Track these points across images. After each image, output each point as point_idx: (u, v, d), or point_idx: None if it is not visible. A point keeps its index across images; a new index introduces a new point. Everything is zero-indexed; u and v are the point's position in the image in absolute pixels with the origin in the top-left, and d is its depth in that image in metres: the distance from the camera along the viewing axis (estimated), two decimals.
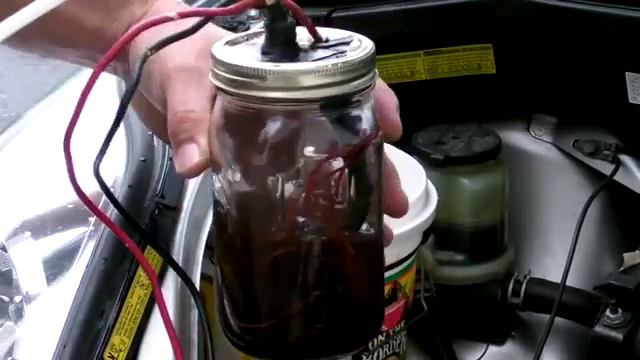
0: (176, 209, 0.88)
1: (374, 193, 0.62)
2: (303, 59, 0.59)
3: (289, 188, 0.60)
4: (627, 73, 1.31)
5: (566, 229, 1.41)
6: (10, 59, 4.14)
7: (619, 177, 1.41)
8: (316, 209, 0.60)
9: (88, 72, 1.08)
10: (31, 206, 0.92)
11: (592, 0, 1.25)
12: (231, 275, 0.64)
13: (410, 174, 1.21)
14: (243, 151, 0.61)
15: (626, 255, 1.33)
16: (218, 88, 0.60)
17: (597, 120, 1.43)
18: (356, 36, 0.62)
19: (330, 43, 0.61)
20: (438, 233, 1.36)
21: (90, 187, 0.91)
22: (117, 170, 0.89)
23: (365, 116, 0.60)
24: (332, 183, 0.60)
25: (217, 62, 0.60)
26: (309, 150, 0.59)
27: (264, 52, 0.60)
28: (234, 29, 1.02)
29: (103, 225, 0.81)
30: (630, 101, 1.32)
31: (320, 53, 0.60)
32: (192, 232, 0.88)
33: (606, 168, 1.42)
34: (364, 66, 0.59)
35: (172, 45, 0.64)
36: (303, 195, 0.60)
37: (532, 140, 1.50)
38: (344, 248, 0.62)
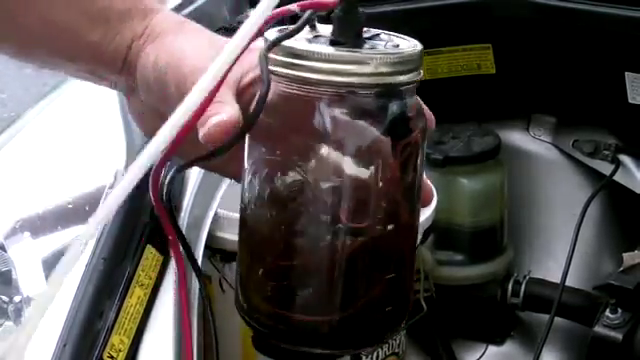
0: (176, 209, 0.87)
1: (420, 177, 0.65)
2: (365, 49, 0.61)
3: (358, 175, 0.61)
4: (627, 73, 1.31)
5: (566, 229, 1.41)
6: (10, 59, 4.13)
7: (619, 177, 1.41)
8: (392, 195, 0.62)
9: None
10: (30, 206, 0.91)
11: (592, 0, 1.25)
12: (295, 271, 0.64)
13: None
14: (300, 137, 0.62)
15: (625, 255, 1.33)
16: (276, 73, 0.61)
17: (597, 120, 1.43)
18: (373, 30, 0.64)
19: (367, 36, 0.63)
20: (437, 233, 1.36)
21: (88, 187, 0.91)
22: (116, 170, 0.89)
23: (418, 103, 0.64)
24: (403, 168, 0.63)
25: (284, 49, 0.61)
26: (381, 136, 0.61)
27: (333, 41, 0.62)
28: (234, 30, 1.02)
29: (103, 225, 0.81)
30: (630, 101, 1.32)
31: (377, 44, 0.62)
32: (192, 232, 0.88)
33: (606, 168, 1.42)
34: (417, 59, 0.62)
35: (183, 52, 0.64)
36: (377, 181, 0.62)
37: (531, 140, 1.50)
38: (411, 230, 0.65)
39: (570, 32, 1.31)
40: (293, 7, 0.62)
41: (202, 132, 0.63)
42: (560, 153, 1.48)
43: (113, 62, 0.72)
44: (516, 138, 1.51)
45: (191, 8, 1.08)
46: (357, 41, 0.62)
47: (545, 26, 1.33)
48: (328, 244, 0.62)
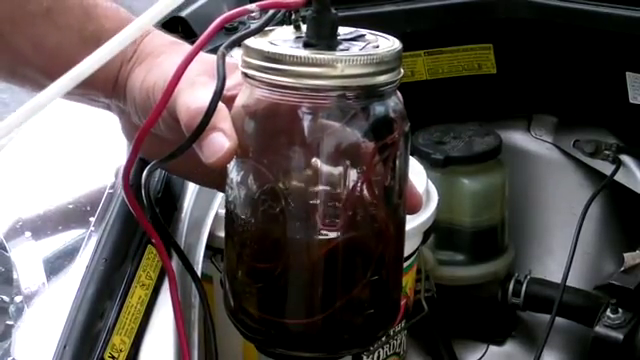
0: (176, 209, 0.88)
1: (405, 179, 0.64)
2: (339, 50, 0.61)
3: (326, 176, 0.61)
4: (627, 73, 1.31)
5: (566, 229, 1.41)
6: None
7: (619, 177, 1.41)
8: (368, 197, 0.61)
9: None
10: (31, 206, 0.91)
11: (592, 0, 1.25)
12: (266, 271, 0.64)
13: (410, 174, 1.20)
14: (278, 140, 0.62)
15: (626, 255, 1.33)
16: (249, 76, 0.61)
17: (597, 120, 1.43)
18: (360, 30, 0.63)
19: (346, 37, 0.62)
20: (438, 233, 1.36)
21: (89, 187, 0.91)
22: (117, 170, 0.89)
23: (398, 105, 0.63)
24: (379, 170, 0.62)
25: (250, 50, 0.60)
26: (342, 139, 0.61)
27: (306, 43, 0.61)
28: (235, 29, 1.02)
29: (103, 225, 0.81)
30: (630, 101, 1.32)
31: (354, 45, 0.61)
32: (192, 232, 0.88)
33: (606, 168, 1.42)
34: (399, 57, 0.62)
35: (168, 70, 0.64)
36: (352, 183, 0.61)
37: (532, 140, 1.50)
38: (389, 233, 0.63)
39: (571, 32, 1.31)
40: (252, 7, 0.62)
41: (210, 156, 0.63)
42: (561, 153, 1.48)
43: (104, 85, 0.72)
44: (517, 138, 1.51)
45: (191, 8, 1.08)
46: (330, 42, 0.61)
47: (546, 26, 1.33)
48: (299, 246, 0.62)
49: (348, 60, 0.59)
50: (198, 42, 0.62)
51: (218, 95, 0.61)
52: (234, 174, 0.64)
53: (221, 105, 0.63)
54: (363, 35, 0.63)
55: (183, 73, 0.63)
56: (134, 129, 0.72)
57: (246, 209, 0.64)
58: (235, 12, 0.63)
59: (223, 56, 0.61)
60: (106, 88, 0.73)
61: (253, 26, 0.63)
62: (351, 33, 0.63)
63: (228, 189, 0.65)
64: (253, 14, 0.62)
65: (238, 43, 0.62)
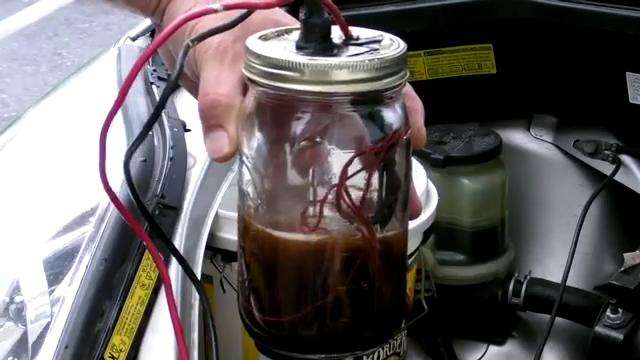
0: (176, 209, 0.88)
1: (402, 190, 0.63)
2: (336, 54, 0.60)
3: (318, 181, 0.61)
4: (627, 73, 1.31)
5: (566, 229, 1.42)
6: (10, 59, 4.14)
7: (619, 177, 1.41)
8: (346, 203, 0.61)
9: (88, 72, 1.08)
10: (32, 207, 0.92)
11: (593, 0, 1.25)
12: (257, 268, 0.64)
13: None
14: (273, 144, 0.62)
15: (626, 255, 1.33)
16: (251, 80, 0.61)
17: (597, 120, 1.43)
18: (387, 35, 0.63)
19: (362, 41, 0.62)
20: (439, 233, 1.36)
21: (89, 187, 0.91)
22: (118, 170, 0.89)
23: (395, 113, 0.61)
24: (363, 178, 0.61)
25: (251, 54, 0.60)
26: (340, 144, 0.60)
27: (298, 47, 0.61)
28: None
29: (103, 226, 0.81)
30: (630, 101, 1.32)
31: (353, 50, 0.61)
32: (192, 232, 0.88)
33: (606, 168, 1.42)
34: (396, 64, 0.60)
35: (211, 24, 0.64)
36: (333, 189, 0.60)
37: (532, 140, 1.50)
38: (371, 243, 0.62)
39: (571, 32, 1.31)
40: (216, 6, 0.62)
41: (211, 152, 0.64)
42: (561, 153, 1.48)
43: (146, 5, 0.73)
44: (517, 138, 1.51)
45: None
46: (321, 46, 0.60)
47: (546, 26, 1.33)
48: (287, 246, 0.62)
49: (346, 66, 0.58)
50: (158, 38, 0.62)
51: (171, 85, 0.62)
52: (237, 171, 0.64)
53: (234, 100, 0.63)
54: (379, 41, 0.62)
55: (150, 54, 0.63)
56: (167, 50, 0.72)
57: (240, 204, 0.64)
58: (199, 11, 0.63)
59: (187, 48, 0.61)
60: (148, 7, 0.74)
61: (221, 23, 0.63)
62: (373, 37, 0.62)
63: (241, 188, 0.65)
64: (217, 14, 0.62)
65: (206, 37, 0.62)
